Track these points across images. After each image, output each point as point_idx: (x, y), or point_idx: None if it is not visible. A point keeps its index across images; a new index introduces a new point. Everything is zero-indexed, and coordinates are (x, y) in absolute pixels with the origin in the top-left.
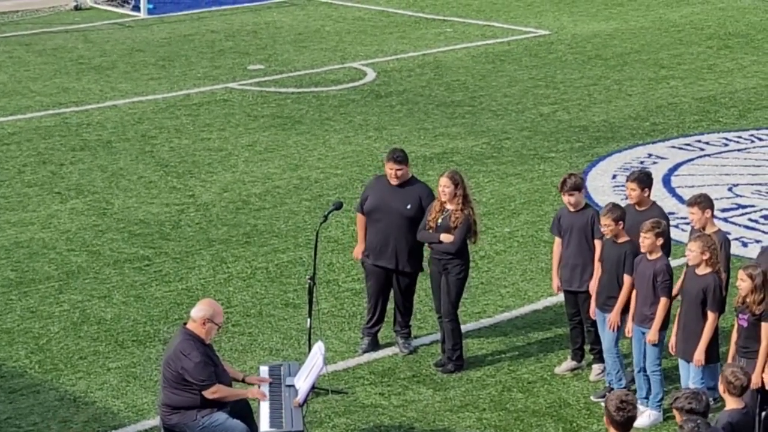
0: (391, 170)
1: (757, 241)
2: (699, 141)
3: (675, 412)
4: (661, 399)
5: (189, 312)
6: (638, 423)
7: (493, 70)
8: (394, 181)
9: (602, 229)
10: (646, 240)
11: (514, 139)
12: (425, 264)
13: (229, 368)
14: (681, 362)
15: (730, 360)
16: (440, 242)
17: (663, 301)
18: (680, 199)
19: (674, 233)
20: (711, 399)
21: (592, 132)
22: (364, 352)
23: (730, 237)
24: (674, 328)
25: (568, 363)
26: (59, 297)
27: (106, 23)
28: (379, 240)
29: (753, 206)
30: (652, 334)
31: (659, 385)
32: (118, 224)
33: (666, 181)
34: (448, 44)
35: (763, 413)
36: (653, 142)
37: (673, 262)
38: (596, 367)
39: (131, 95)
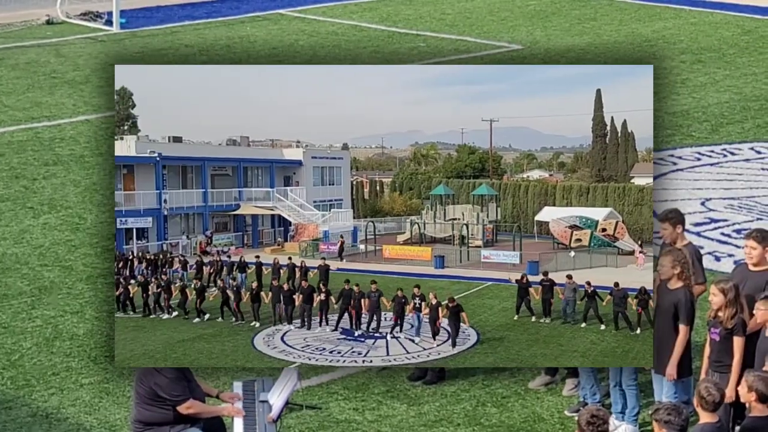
0: None
1: (730, 255)
2: (672, 155)
3: (654, 424)
4: (638, 413)
5: None
6: None
7: None
8: None
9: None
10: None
11: None
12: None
13: (203, 384)
14: (654, 376)
15: (703, 375)
16: None
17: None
18: (653, 213)
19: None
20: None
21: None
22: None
23: (702, 251)
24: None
25: (542, 378)
26: (32, 312)
27: (79, 37)
28: None
29: (725, 220)
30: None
31: (635, 399)
32: (91, 239)
33: None
34: (422, 59)
35: (737, 427)
36: None
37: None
38: (569, 382)
39: (104, 110)
